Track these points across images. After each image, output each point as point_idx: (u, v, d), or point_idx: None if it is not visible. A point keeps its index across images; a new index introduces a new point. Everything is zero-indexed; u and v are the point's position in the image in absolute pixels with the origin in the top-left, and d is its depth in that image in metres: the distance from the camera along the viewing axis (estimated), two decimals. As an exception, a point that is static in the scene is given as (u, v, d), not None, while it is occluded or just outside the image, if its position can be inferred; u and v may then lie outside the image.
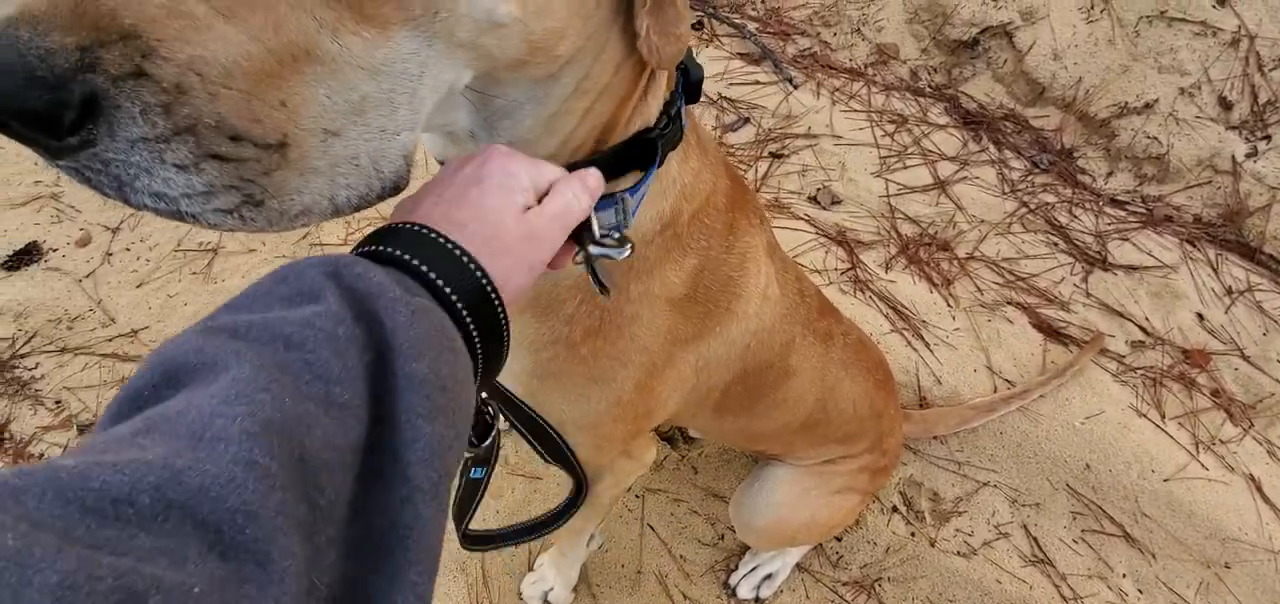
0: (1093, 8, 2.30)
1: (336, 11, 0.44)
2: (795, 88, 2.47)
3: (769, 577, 1.55)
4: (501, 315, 0.54)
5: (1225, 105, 2.16)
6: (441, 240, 0.51)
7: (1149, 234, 2.15)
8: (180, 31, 0.38)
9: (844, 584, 1.59)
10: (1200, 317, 1.99)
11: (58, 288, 1.98)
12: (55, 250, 2.08)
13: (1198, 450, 1.74)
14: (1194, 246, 2.12)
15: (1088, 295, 2.02)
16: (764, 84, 2.50)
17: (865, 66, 2.56)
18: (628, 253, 0.66)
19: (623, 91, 0.65)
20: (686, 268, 0.84)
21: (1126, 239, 2.13)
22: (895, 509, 1.69)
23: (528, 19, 0.51)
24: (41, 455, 1.69)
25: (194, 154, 0.40)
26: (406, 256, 0.50)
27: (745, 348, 0.99)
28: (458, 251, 0.51)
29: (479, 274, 0.52)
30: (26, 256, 2.07)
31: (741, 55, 2.60)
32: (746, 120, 2.39)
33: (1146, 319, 1.97)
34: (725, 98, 2.46)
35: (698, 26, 2.70)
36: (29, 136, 0.37)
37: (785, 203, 2.18)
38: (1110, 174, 2.27)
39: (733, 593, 1.56)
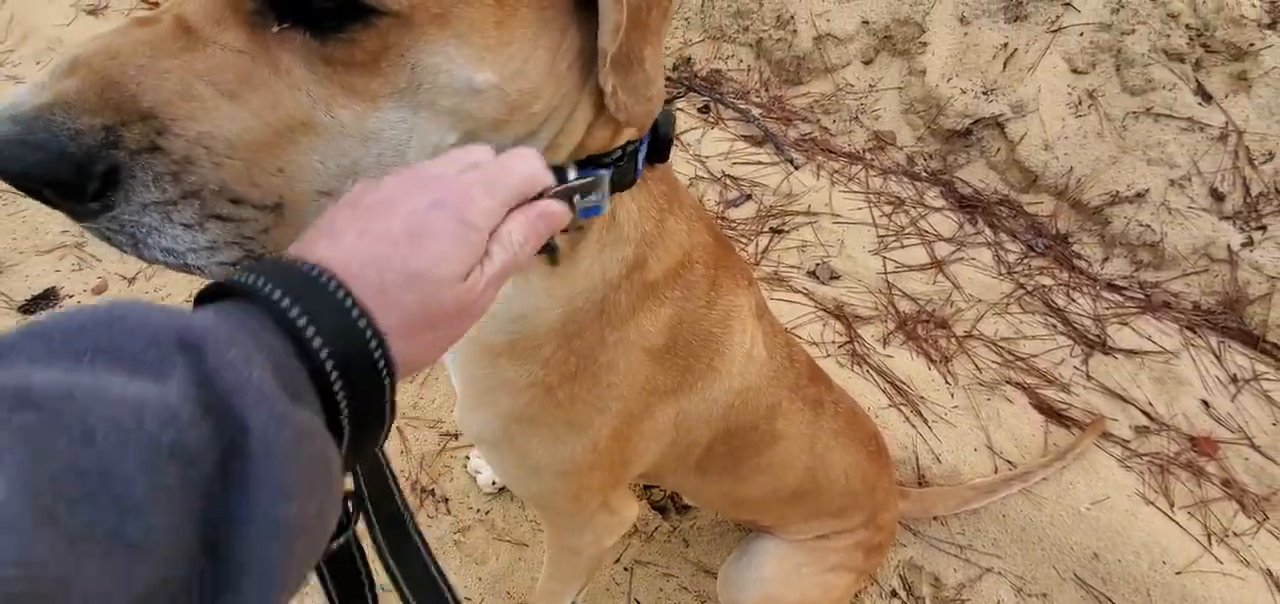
0: (1080, 103, 2.22)
1: (329, 89, 0.46)
2: (796, 168, 2.39)
3: None
4: (388, 410, 0.41)
5: (1217, 197, 2.04)
6: (352, 312, 0.38)
7: (1148, 319, 2.01)
8: (190, 111, 0.42)
9: (840, 671, 1.41)
10: (1205, 403, 1.83)
11: (68, 334, 1.89)
12: (71, 297, 2.00)
13: (1210, 542, 1.56)
14: (1195, 333, 1.97)
15: (1088, 378, 1.87)
16: (766, 164, 2.42)
17: (863, 151, 2.48)
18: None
19: (599, 144, 0.62)
20: (662, 318, 0.78)
21: (1125, 324, 1.99)
22: (894, 593, 1.51)
23: (504, 83, 0.51)
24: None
25: (199, 215, 0.44)
26: (294, 313, 0.36)
27: (728, 406, 0.90)
28: (369, 335, 0.38)
29: (384, 370, 0.39)
30: (43, 302, 1.99)
31: (745, 137, 2.54)
32: (748, 197, 2.31)
33: (1150, 404, 1.81)
34: (728, 175, 2.38)
35: (705, 110, 2.65)
36: (58, 202, 0.41)
37: (784, 276, 2.07)
38: (1106, 259, 2.15)
39: None
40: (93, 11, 2.98)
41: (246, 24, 0.44)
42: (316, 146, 0.47)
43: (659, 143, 0.69)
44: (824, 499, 1.12)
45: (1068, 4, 2.28)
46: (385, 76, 0.47)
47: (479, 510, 1.61)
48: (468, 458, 1.67)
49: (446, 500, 1.62)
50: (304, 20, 0.44)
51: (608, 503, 0.94)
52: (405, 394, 1.80)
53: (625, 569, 1.53)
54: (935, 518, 1.59)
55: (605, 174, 0.59)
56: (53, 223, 2.20)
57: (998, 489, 1.56)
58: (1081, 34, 2.25)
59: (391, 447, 1.69)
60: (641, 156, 0.66)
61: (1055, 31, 2.28)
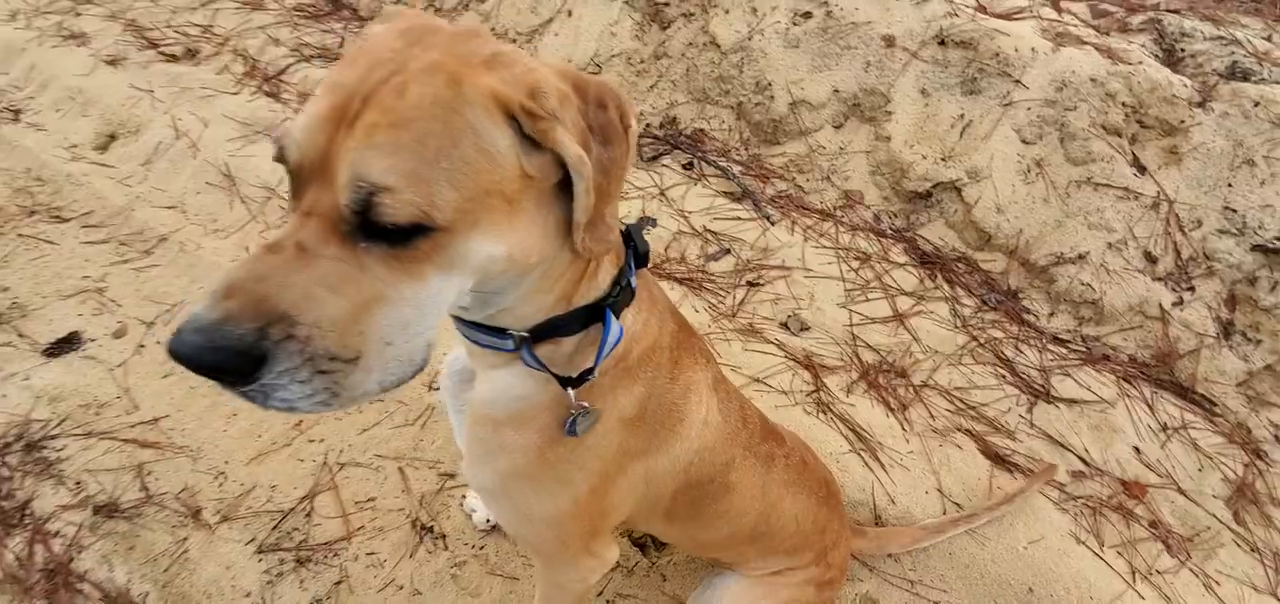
0: (1029, 171, 2.41)
1: (397, 274, 0.66)
2: (773, 224, 2.56)
3: None
4: None
5: (1150, 259, 2.23)
6: None
7: (1089, 371, 2.17)
8: (309, 307, 0.62)
9: (801, 696, 1.54)
10: (1137, 450, 1.99)
11: (91, 376, 2.01)
12: (93, 340, 2.11)
13: (1135, 579, 1.71)
14: (1130, 384, 2.14)
15: (1032, 425, 2.03)
16: (744, 220, 2.58)
17: (834, 208, 2.66)
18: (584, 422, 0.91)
19: (576, 275, 0.85)
20: (635, 394, 0.95)
21: (1068, 375, 2.16)
22: (851, 623, 1.65)
23: (511, 252, 0.71)
24: (57, 533, 1.67)
25: (309, 374, 0.62)
26: None
27: (687, 464, 1.07)
28: None
29: None
30: (66, 345, 2.10)
31: (726, 193, 2.70)
32: (728, 251, 2.47)
33: (1086, 450, 1.97)
34: (710, 230, 2.54)
35: (688, 167, 2.82)
36: (224, 382, 0.60)
37: (759, 328, 2.22)
38: (1052, 314, 2.32)
39: None
40: (112, 62, 3.12)
41: (343, 242, 0.64)
42: (386, 313, 0.66)
43: (640, 256, 0.91)
44: (777, 540, 1.27)
45: (1017, 81, 2.47)
46: (434, 261, 0.67)
47: (474, 546, 1.73)
48: (463, 498, 1.80)
49: (444, 537, 1.74)
50: (382, 238, 0.64)
51: (590, 547, 1.08)
52: (406, 437, 1.93)
53: (608, 601, 1.66)
54: (890, 555, 1.73)
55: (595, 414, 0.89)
56: (73, 268, 2.32)
57: (946, 529, 1.71)
58: (1029, 108, 2.44)
59: (394, 489, 1.82)
60: (632, 278, 0.88)
61: (1006, 105, 2.48)
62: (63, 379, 1.98)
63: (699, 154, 2.83)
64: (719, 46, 2.94)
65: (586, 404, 0.90)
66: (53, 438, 1.85)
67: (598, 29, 3.13)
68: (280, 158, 0.66)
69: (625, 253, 0.91)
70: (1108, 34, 2.58)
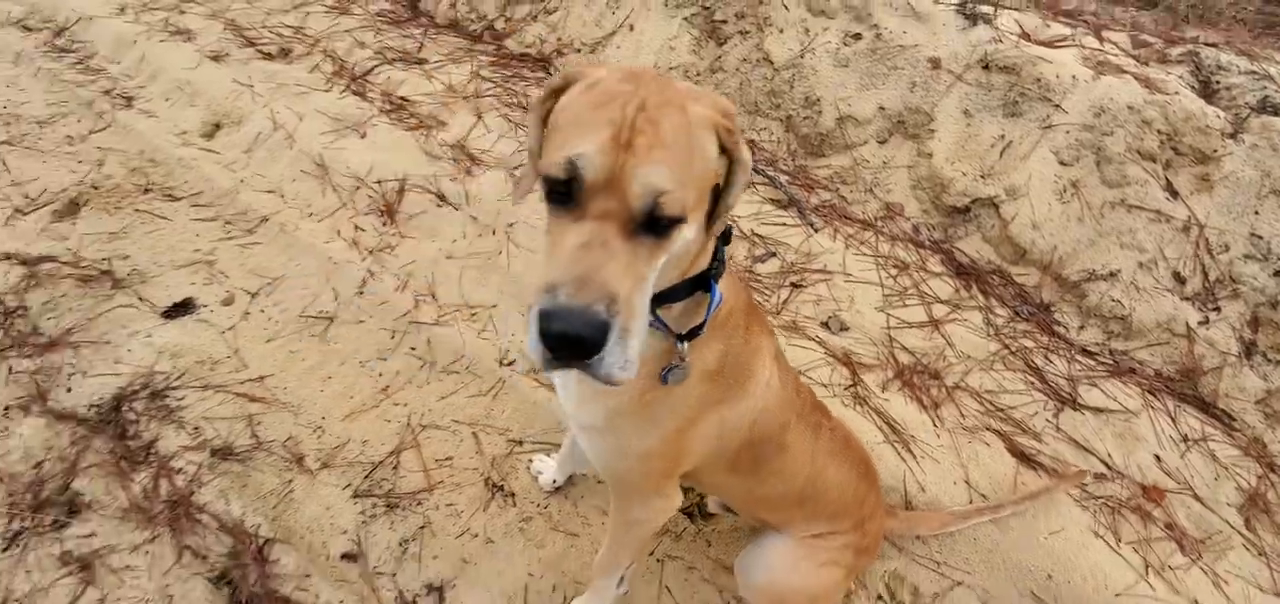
0: (1065, 191, 2.52)
1: (654, 257, 0.85)
2: (816, 231, 2.71)
3: None
4: None
5: (1179, 280, 2.32)
6: None
7: (1115, 382, 2.28)
8: (624, 287, 0.80)
9: (832, 656, 1.69)
10: (1158, 458, 2.10)
11: (204, 337, 2.25)
12: (205, 306, 2.36)
13: (1147, 573, 1.83)
14: (1155, 397, 2.24)
15: (1058, 429, 2.14)
16: (790, 226, 2.74)
17: (875, 219, 2.80)
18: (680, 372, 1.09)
19: (696, 252, 1.02)
20: (716, 351, 1.14)
21: (1095, 385, 2.27)
22: (879, 597, 1.79)
23: (691, 238, 0.90)
24: (179, 471, 1.90)
25: (622, 345, 0.79)
26: None
27: (753, 420, 1.24)
28: None
29: None
30: (182, 309, 2.35)
31: (772, 201, 2.86)
32: (773, 254, 2.63)
33: (1109, 455, 2.08)
34: (757, 234, 2.70)
35: (736, 175, 2.98)
36: (589, 354, 0.79)
37: (801, 326, 2.38)
38: (1082, 327, 2.43)
39: None
40: (215, 58, 3.41)
41: (628, 236, 0.83)
42: (645, 290, 0.85)
43: (725, 235, 1.10)
44: (821, 505, 1.43)
45: (1057, 105, 2.59)
46: (666, 246, 0.86)
47: (539, 505, 1.92)
48: (530, 462, 1.99)
49: (513, 495, 1.93)
50: (650, 231, 0.84)
51: (662, 488, 1.26)
52: (478, 406, 2.13)
53: (658, 561, 1.83)
54: (918, 536, 1.87)
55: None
56: (185, 242, 2.58)
57: (972, 517, 1.85)
58: (1068, 132, 2.55)
59: (469, 451, 2.02)
60: (724, 253, 1.07)
61: (1046, 128, 2.59)
62: (180, 339, 2.23)
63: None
64: (772, 63, 3.10)
65: (684, 359, 1.07)
66: (174, 389, 2.09)
67: (658, 43, 3.31)
68: (572, 174, 0.82)
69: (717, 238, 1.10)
70: (1146, 64, 2.67)
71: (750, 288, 1.25)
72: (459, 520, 1.86)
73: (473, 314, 2.38)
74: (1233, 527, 1.96)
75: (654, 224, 0.83)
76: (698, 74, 3.23)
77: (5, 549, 1.72)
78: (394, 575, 1.74)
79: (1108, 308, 2.38)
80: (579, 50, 3.46)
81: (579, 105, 0.87)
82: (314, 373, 2.17)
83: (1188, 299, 2.31)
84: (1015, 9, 3.01)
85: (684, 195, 0.83)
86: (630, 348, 0.81)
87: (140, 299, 2.35)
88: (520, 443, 2.04)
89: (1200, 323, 2.27)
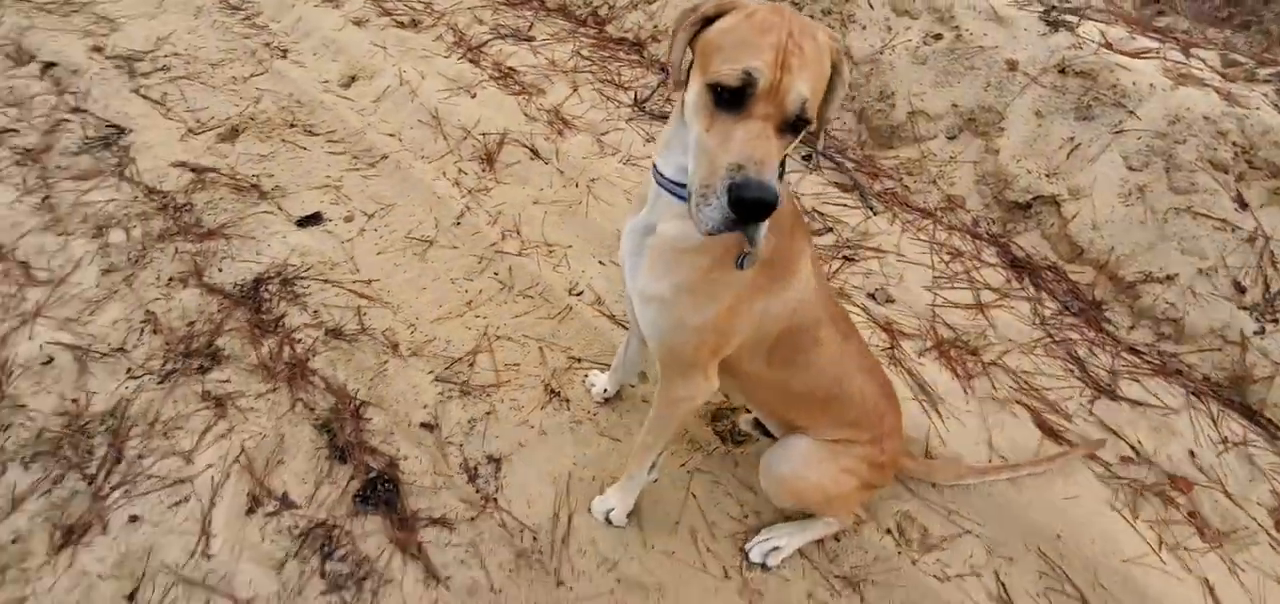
0: (1130, 194, 2.52)
1: (785, 146, 1.06)
2: (875, 214, 2.82)
3: (776, 549, 1.81)
4: None
5: (1239, 289, 2.29)
6: None
7: (1159, 381, 2.27)
8: (772, 171, 0.99)
9: (836, 576, 1.82)
10: (1192, 453, 2.09)
11: (328, 244, 2.62)
12: (330, 220, 2.73)
13: (1160, 548, 1.85)
14: (1198, 399, 2.23)
15: (1091, 414, 2.17)
16: (850, 207, 2.86)
17: (935, 209, 2.87)
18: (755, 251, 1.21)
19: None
20: (769, 244, 1.29)
21: (1137, 381, 2.27)
22: (889, 531, 1.91)
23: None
24: (299, 341, 2.25)
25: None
26: None
27: (792, 311, 1.41)
28: None
29: None
30: (312, 220, 2.74)
31: (836, 184, 2.99)
32: (830, 230, 2.76)
33: (1139, 442, 2.10)
34: (818, 211, 2.84)
35: (807, 158, 3.13)
36: (761, 217, 1.02)
37: (847, 294, 2.50)
38: (1132, 328, 2.43)
39: (746, 556, 1.83)
40: (358, 23, 3.86)
41: (778, 133, 1.04)
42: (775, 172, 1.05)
43: None
44: (844, 409, 1.58)
45: (1131, 112, 2.59)
46: (793, 142, 1.09)
47: (590, 412, 2.14)
48: (586, 376, 2.22)
49: (568, 401, 2.17)
50: (790, 130, 1.05)
51: (707, 368, 1.44)
52: (546, 326, 2.38)
53: (688, 473, 2.01)
54: (933, 484, 1.97)
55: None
56: (319, 169, 2.98)
57: (989, 473, 1.93)
58: (1139, 138, 2.55)
59: (534, 360, 2.27)
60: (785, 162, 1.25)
61: (1116, 133, 2.60)
62: (309, 243, 2.60)
63: (819, 149, 3.12)
64: (852, 57, 3.22)
65: (755, 245, 1.24)
66: (300, 279, 2.46)
67: (744, 33, 3.50)
68: (746, 82, 1.01)
69: None
70: (1233, 81, 2.63)
71: (795, 198, 1.42)
72: (519, 413, 2.11)
73: (550, 251, 2.64)
74: (1260, 525, 1.94)
75: (795, 124, 1.04)
76: (779, 64, 3.39)
77: (160, 383, 2.10)
78: (461, 446, 2.00)
79: (1161, 310, 2.37)
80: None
81: (745, 29, 1.06)
82: (413, 283, 2.49)
83: (1245, 308, 2.27)
84: (1103, 22, 3.00)
85: (815, 103, 1.05)
86: (767, 223, 1.04)
87: (279, 208, 2.76)
88: (579, 360, 2.27)
89: (1255, 332, 2.23)
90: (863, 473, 1.65)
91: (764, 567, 1.81)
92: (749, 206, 0.98)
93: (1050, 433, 2.10)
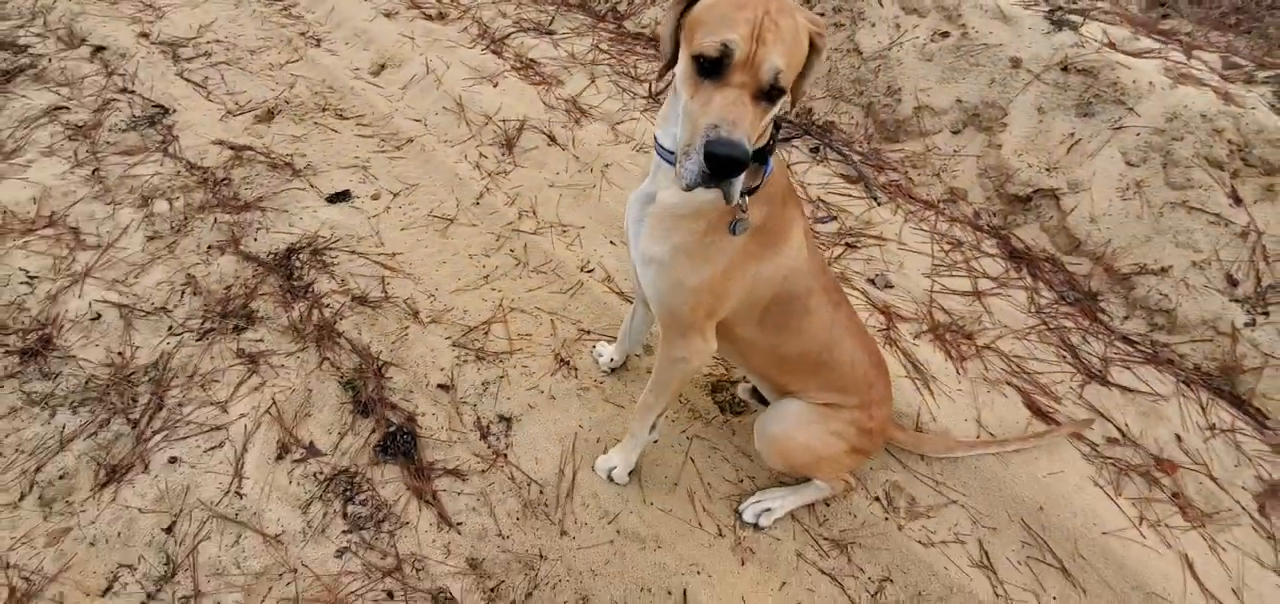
0: (1128, 189, 2.55)
1: (762, 114, 1.16)
2: (879, 204, 2.87)
3: (768, 510, 1.88)
4: None
5: (1232, 282, 2.31)
6: None
7: (1150, 369, 2.30)
8: (751, 134, 1.10)
9: (825, 539, 1.88)
10: (1178, 438, 2.12)
11: (355, 219, 2.72)
12: (358, 198, 2.84)
13: (1141, 523, 1.89)
14: (1188, 387, 2.25)
15: (1080, 397, 2.21)
16: (855, 198, 2.91)
17: (938, 201, 2.91)
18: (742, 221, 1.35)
19: (765, 128, 1.27)
20: (760, 212, 1.39)
21: (1129, 368, 2.30)
22: (877, 499, 1.96)
23: (785, 105, 1.21)
24: (327, 306, 2.35)
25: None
26: None
27: (783, 278, 1.48)
28: None
29: None
30: (341, 197, 2.85)
31: (842, 175, 3.04)
32: (834, 218, 2.81)
33: (1126, 425, 2.13)
34: (822, 200, 2.90)
35: (815, 150, 3.18)
36: (734, 173, 1.10)
37: (848, 278, 2.56)
38: (1126, 318, 2.45)
39: (739, 517, 1.90)
40: (388, 15, 3.98)
41: (754, 101, 1.12)
42: (753, 138, 1.13)
43: (776, 123, 1.33)
44: (834, 375, 1.64)
45: (1130, 109, 2.62)
46: (770, 111, 1.17)
47: (597, 381, 2.22)
48: (594, 347, 2.29)
49: (576, 370, 2.25)
50: (765, 98, 1.13)
51: (704, 331, 1.51)
52: (558, 300, 2.46)
53: (688, 438, 2.09)
54: (922, 456, 2.02)
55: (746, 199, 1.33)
56: (349, 150, 3.09)
57: (977, 448, 1.98)
58: (1138, 134, 2.58)
59: (546, 331, 2.35)
60: (777, 136, 1.33)
61: (1116, 129, 2.63)
62: (337, 217, 2.71)
63: (826, 141, 3.18)
64: (860, 53, 3.27)
65: (745, 211, 1.34)
66: (329, 250, 2.56)
67: (757, 29, 3.56)
68: (723, 53, 1.09)
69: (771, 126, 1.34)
70: (1231, 82, 2.64)
71: (788, 171, 1.49)
72: (530, 378, 2.19)
73: (564, 231, 2.73)
74: (1244, 508, 1.97)
75: (770, 93, 1.12)
76: (791, 60, 3.45)
77: (199, 340, 2.22)
78: (475, 406, 2.09)
79: (1154, 301, 2.40)
80: (688, 33, 3.76)
81: (725, 7, 1.15)
82: (434, 256, 2.59)
83: (1237, 301, 2.29)
84: (1107, 21, 3.02)
85: (789, 75, 1.12)
86: (741, 179, 1.14)
87: (311, 185, 2.87)
88: (588, 332, 2.36)
89: (1247, 324, 2.26)
90: (851, 436, 1.71)
91: (756, 526, 1.88)
92: (721, 161, 1.05)
93: (1039, 413, 2.14)
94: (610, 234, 2.72)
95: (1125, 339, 2.41)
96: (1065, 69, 2.80)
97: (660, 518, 1.87)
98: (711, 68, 1.12)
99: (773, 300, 1.52)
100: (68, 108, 3.17)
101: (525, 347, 2.29)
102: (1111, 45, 2.85)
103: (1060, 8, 3.05)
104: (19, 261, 2.39)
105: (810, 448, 1.69)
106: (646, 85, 3.54)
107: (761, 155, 1.33)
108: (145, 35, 3.75)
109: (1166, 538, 1.88)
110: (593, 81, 3.53)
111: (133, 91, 3.31)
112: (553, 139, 3.15)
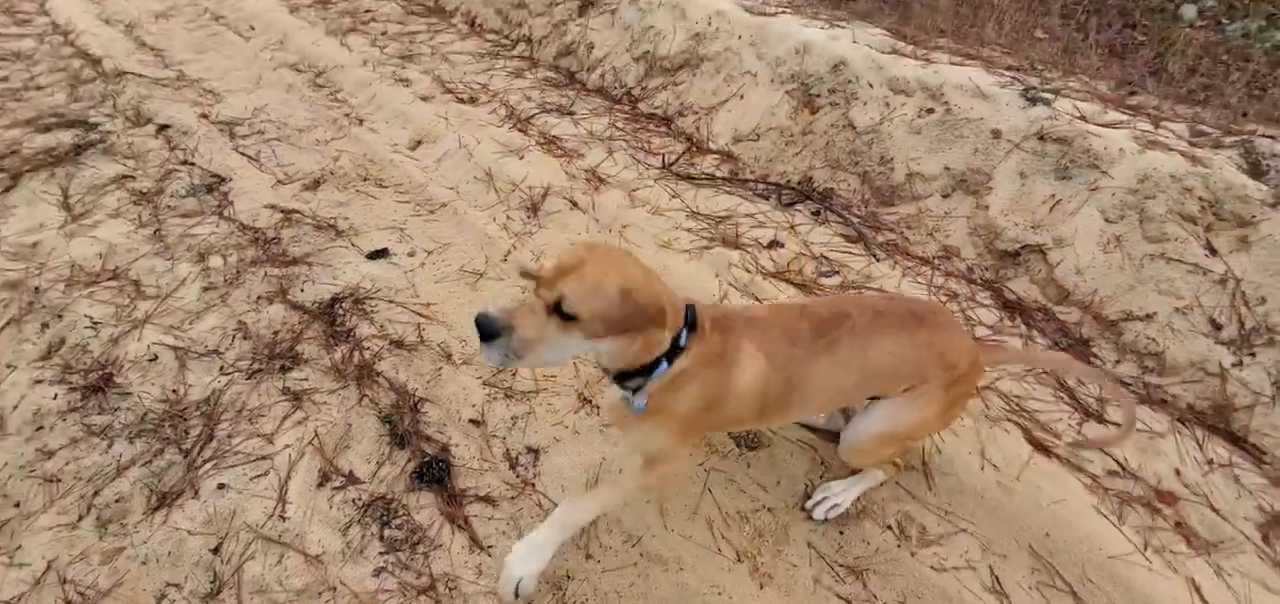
0: (1109, 243, 2.62)
1: (558, 332, 1.32)
2: (878, 261, 2.94)
3: (836, 505, 1.92)
4: None
5: (1215, 326, 2.34)
6: None
7: (1145, 408, 2.31)
8: (522, 329, 1.30)
9: (840, 565, 1.86)
10: (1178, 472, 2.11)
11: (393, 274, 2.81)
12: (396, 255, 2.94)
13: (1146, 548, 1.86)
14: (1184, 424, 2.25)
15: (1079, 432, 2.21)
16: (855, 255, 2.99)
17: (933, 258, 2.99)
18: (643, 404, 1.49)
19: (640, 352, 1.42)
20: (692, 389, 1.51)
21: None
22: (889, 527, 1.95)
23: (612, 350, 1.41)
24: (368, 348, 2.41)
25: (504, 352, 1.31)
26: None
27: (755, 399, 1.59)
28: None
29: None
30: (380, 254, 2.95)
31: (843, 236, 3.13)
32: (836, 273, 2.88)
33: (1125, 458, 2.13)
34: (826, 257, 2.97)
35: (816, 213, 3.28)
36: (485, 336, 1.31)
37: (853, 326, 2.60)
38: (1119, 361, 2.48)
39: (809, 516, 1.94)
40: (425, 98, 4.19)
41: (547, 313, 1.31)
42: (548, 341, 1.32)
43: (691, 321, 1.47)
44: (885, 379, 1.67)
45: (1104, 173, 2.72)
46: (572, 330, 1.32)
47: (619, 419, 2.24)
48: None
49: (598, 408, 2.28)
50: (561, 317, 1.30)
51: (677, 454, 1.62)
52: (583, 346, 2.51)
53: (705, 471, 2.09)
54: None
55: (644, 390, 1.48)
56: (387, 214, 3.21)
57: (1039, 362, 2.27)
58: (1114, 194, 2.67)
59: (569, 372, 2.39)
60: (683, 338, 1.46)
61: (1093, 190, 2.72)
62: (377, 272, 2.80)
63: (827, 205, 3.29)
64: (855, 128, 3.42)
65: (641, 400, 1.49)
66: (370, 300, 2.64)
67: (761, 109, 3.73)
68: (528, 275, 1.37)
69: (682, 328, 1.45)
70: (1199, 148, 2.75)
71: (733, 318, 1.61)
72: (555, 414, 2.22)
73: (587, 284, 2.80)
74: (1247, 537, 1.94)
75: (564, 315, 1.29)
76: (791, 135, 3.60)
77: (248, 379, 2.27)
78: (504, 439, 2.12)
79: (1143, 345, 2.43)
80: (697, 113, 3.95)
81: (560, 255, 1.35)
82: (465, 306, 2.66)
83: (1223, 343, 2.32)
84: (1078, 98, 3.17)
85: (581, 309, 1.28)
86: (512, 360, 1.33)
87: (353, 244, 2.97)
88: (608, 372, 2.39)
89: (1234, 364, 2.28)
90: (941, 397, 1.69)
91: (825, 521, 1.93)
92: (477, 322, 1.30)
93: (1040, 447, 2.14)
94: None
95: (1119, 380, 2.42)
96: (1042, 138, 2.92)
97: (681, 543, 1.86)
98: (536, 281, 1.37)
99: (762, 407, 1.61)
100: (133, 177, 3.32)
101: (550, 386, 2.33)
102: (1083, 118, 2.98)
103: (1033, 87, 3.20)
104: (84, 309, 2.47)
105: (914, 423, 1.72)
106: (660, 157, 3.69)
107: (656, 363, 1.45)
108: (205, 116, 3.96)
109: (1172, 563, 1.85)
110: (610, 154, 3.68)
111: (193, 163, 3.47)
112: (574, 203, 3.27)
